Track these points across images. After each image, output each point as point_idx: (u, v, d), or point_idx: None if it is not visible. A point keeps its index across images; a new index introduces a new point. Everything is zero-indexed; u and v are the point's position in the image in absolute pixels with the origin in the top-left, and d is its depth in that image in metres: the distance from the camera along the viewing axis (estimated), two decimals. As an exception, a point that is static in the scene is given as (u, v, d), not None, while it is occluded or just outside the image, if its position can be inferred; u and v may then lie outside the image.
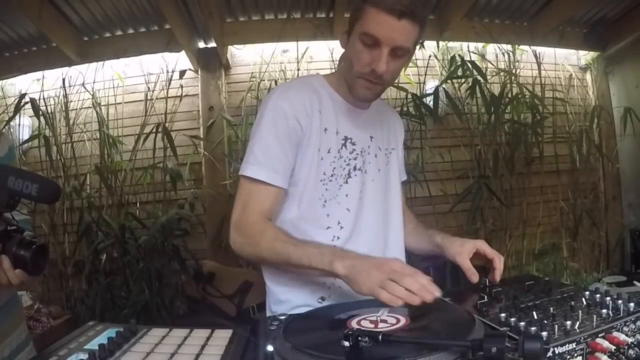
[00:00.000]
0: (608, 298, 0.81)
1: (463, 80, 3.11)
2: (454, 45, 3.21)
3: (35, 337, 2.13)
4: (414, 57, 3.05)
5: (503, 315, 0.77)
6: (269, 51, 3.06)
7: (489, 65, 3.24)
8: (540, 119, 3.12)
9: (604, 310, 0.75)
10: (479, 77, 3.01)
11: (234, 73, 3.16)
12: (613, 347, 0.67)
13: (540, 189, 3.25)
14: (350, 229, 1.09)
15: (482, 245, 1.04)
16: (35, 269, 0.85)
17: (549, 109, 3.25)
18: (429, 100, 3.04)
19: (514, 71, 3.24)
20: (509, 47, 3.26)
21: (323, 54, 3.05)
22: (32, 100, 2.80)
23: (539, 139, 3.15)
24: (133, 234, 2.78)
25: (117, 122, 3.04)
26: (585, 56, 3.47)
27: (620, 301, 0.78)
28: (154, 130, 2.88)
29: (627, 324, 0.73)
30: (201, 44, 3.08)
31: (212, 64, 3.05)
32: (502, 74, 3.23)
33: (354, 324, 0.76)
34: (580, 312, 0.75)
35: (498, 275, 1.00)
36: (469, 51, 3.22)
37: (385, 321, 0.75)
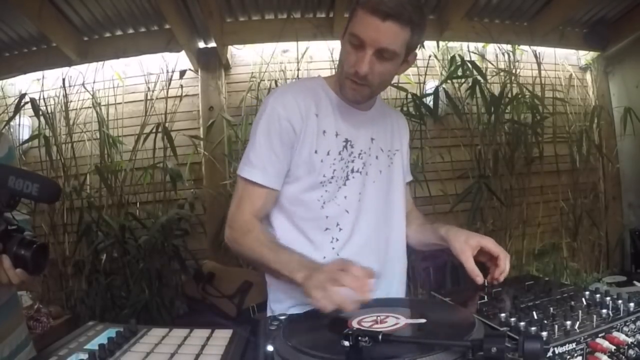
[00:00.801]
0: (608, 298, 0.81)
1: (463, 80, 3.11)
2: (454, 45, 3.21)
3: (35, 337, 2.13)
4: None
5: (503, 315, 0.77)
6: (269, 51, 3.06)
7: (489, 65, 3.24)
8: (540, 119, 3.12)
9: (604, 310, 0.75)
10: (479, 77, 3.01)
11: (234, 73, 3.16)
12: (613, 347, 0.67)
13: (540, 189, 3.26)
14: (349, 231, 1.09)
15: (488, 243, 1.00)
16: (36, 269, 0.85)
17: (549, 109, 3.25)
18: (429, 100, 3.04)
19: (514, 71, 3.24)
20: (509, 47, 3.26)
21: (323, 54, 3.05)
22: (32, 100, 2.81)
23: (539, 139, 3.15)
24: (133, 234, 2.78)
25: (117, 122, 3.04)
26: (585, 56, 3.48)
27: (620, 301, 0.78)
28: (154, 130, 2.88)
29: (627, 324, 0.73)
30: (201, 44, 3.08)
31: (212, 64, 3.05)
32: (502, 74, 3.23)
33: (354, 323, 0.76)
34: (580, 312, 0.75)
35: (500, 275, 0.97)
36: (469, 51, 3.22)
37: (385, 321, 0.75)
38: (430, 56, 3.16)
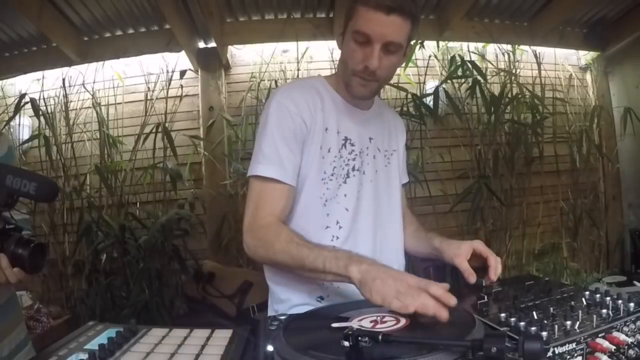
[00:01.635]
0: (608, 298, 0.81)
1: (463, 80, 3.12)
2: (454, 45, 3.21)
3: (35, 337, 2.13)
4: (413, 57, 3.07)
5: (503, 315, 0.77)
6: (269, 51, 3.06)
7: (489, 65, 3.24)
8: (540, 119, 3.12)
9: (604, 310, 0.75)
10: (479, 77, 3.01)
11: (234, 73, 3.16)
12: (613, 347, 0.67)
13: (540, 189, 3.26)
14: (349, 229, 1.10)
15: (478, 245, 1.03)
16: (34, 268, 0.85)
17: (549, 109, 3.25)
18: (429, 100, 3.04)
19: (514, 71, 3.24)
20: (509, 47, 3.26)
21: (323, 54, 3.05)
22: (32, 100, 2.81)
23: (539, 139, 3.15)
24: (133, 234, 2.78)
25: (117, 122, 3.04)
26: (585, 56, 3.47)
27: (620, 301, 0.78)
28: (154, 130, 2.88)
29: (627, 324, 0.73)
30: (201, 44, 3.08)
31: (212, 64, 3.05)
32: (502, 74, 3.23)
33: (354, 323, 0.75)
34: (580, 312, 0.75)
35: (493, 273, 0.99)
36: (469, 51, 3.22)
37: (385, 321, 0.75)
38: (430, 56, 3.16)
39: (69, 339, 0.74)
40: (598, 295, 0.84)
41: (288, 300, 1.10)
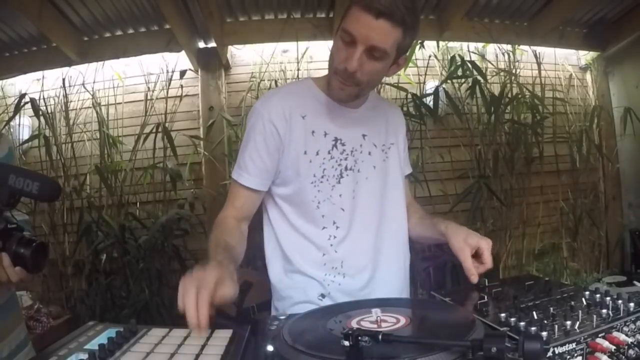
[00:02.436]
0: (608, 298, 0.81)
1: (463, 80, 3.12)
2: (454, 45, 3.21)
3: (35, 337, 2.13)
4: (413, 57, 3.07)
5: (503, 315, 0.77)
6: (269, 51, 3.06)
7: (489, 65, 3.24)
8: (540, 119, 3.12)
9: (604, 310, 0.75)
10: (479, 77, 3.01)
11: (234, 73, 3.16)
12: (613, 347, 0.67)
13: (540, 189, 3.26)
14: (347, 228, 1.10)
15: (484, 245, 1.00)
16: (35, 267, 0.85)
17: (549, 109, 3.25)
18: (429, 100, 3.04)
19: (514, 71, 3.24)
20: (509, 47, 3.26)
21: (323, 54, 3.04)
22: (32, 100, 2.81)
23: (539, 139, 3.15)
24: (133, 234, 2.78)
25: (117, 122, 3.04)
26: (585, 56, 3.48)
27: (620, 301, 0.78)
28: (154, 130, 2.88)
29: (627, 324, 0.73)
30: (201, 44, 3.08)
31: (212, 64, 3.05)
32: (502, 74, 3.23)
33: (354, 323, 0.76)
34: (580, 312, 0.75)
35: (474, 277, 0.99)
36: (469, 51, 3.22)
37: (385, 321, 0.75)
38: (430, 56, 3.16)
39: (69, 339, 0.74)
40: (598, 295, 0.84)
41: (289, 297, 1.12)
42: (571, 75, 3.42)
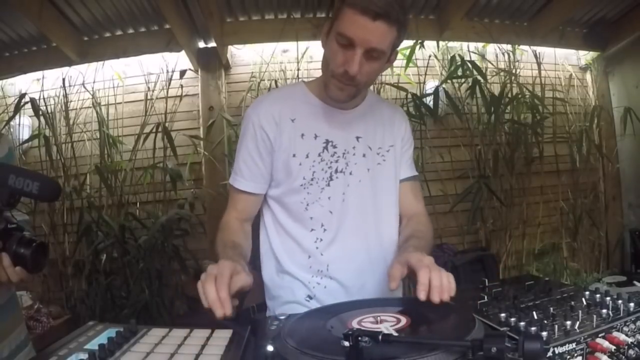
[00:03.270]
0: (608, 298, 0.81)
1: (463, 80, 3.12)
2: (454, 45, 3.21)
3: (35, 337, 2.13)
4: (413, 57, 3.07)
5: (503, 315, 0.77)
6: (269, 51, 3.06)
7: (489, 65, 3.24)
8: (540, 119, 3.13)
9: (604, 310, 0.75)
10: (479, 77, 3.01)
11: (234, 73, 3.16)
12: (613, 347, 0.67)
13: (540, 189, 3.26)
14: (335, 231, 1.10)
15: (410, 258, 0.85)
16: (35, 267, 0.85)
17: (549, 109, 3.25)
18: (429, 100, 3.04)
19: (514, 71, 3.24)
20: (509, 47, 3.26)
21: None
22: (32, 100, 2.80)
23: (539, 139, 3.15)
24: (133, 234, 2.78)
25: (117, 122, 3.04)
26: (585, 56, 3.48)
27: (620, 301, 0.78)
28: (154, 130, 2.88)
29: (627, 324, 0.73)
30: (201, 44, 3.08)
31: (212, 64, 3.05)
32: (502, 74, 3.23)
33: (354, 323, 0.76)
34: (580, 312, 0.75)
35: (422, 292, 0.77)
36: (469, 51, 3.22)
37: (385, 321, 0.75)
38: (430, 56, 3.16)
39: (69, 339, 0.74)
40: (598, 295, 0.84)
41: (279, 297, 1.14)
42: (571, 75, 3.42)
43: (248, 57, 3.14)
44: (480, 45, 3.26)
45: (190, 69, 3.04)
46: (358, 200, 1.11)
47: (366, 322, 0.76)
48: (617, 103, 3.43)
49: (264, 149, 1.09)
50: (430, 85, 3.16)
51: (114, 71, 3.03)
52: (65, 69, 2.95)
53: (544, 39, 3.14)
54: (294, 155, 1.08)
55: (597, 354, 0.67)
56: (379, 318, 0.77)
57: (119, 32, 2.91)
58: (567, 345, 0.66)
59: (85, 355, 0.65)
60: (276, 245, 1.13)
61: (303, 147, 1.08)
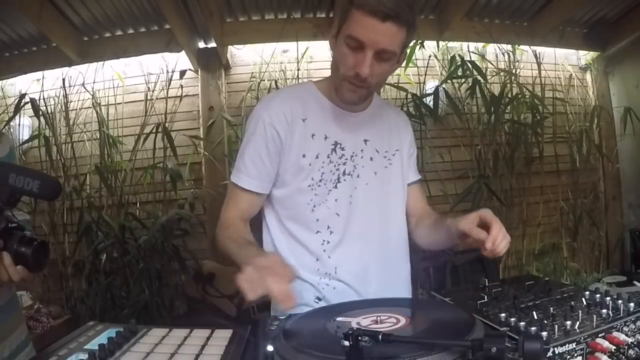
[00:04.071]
0: (608, 298, 0.81)
1: (463, 80, 3.12)
2: (454, 45, 3.21)
3: (35, 337, 2.13)
4: (413, 57, 3.07)
5: (503, 315, 0.77)
6: (269, 51, 3.06)
7: (489, 65, 3.24)
8: (540, 119, 3.13)
9: (604, 310, 0.75)
10: (479, 77, 3.01)
11: (234, 73, 3.16)
12: (613, 347, 0.67)
13: (540, 189, 3.26)
14: (341, 234, 1.09)
15: (485, 213, 0.95)
16: (36, 266, 0.85)
17: (549, 109, 3.25)
18: (429, 100, 3.04)
19: (514, 71, 3.24)
20: (509, 47, 3.26)
21: (323, 54, 3.04)
22: (32, 100, 2.81)
23: (539, 139, 3.15)
24: (133, 234, 2.78)
25: (117, 122, 3.04)
26: (585, 56, 3.47)
27: (620, 301, 0.78)
28: (154, 130, 2.88)
29: (627, 324, 0.73)
30: (201, 44, 3.08)
31: (212, 64, 3.05)
32: (502, 74, 3.23)
33: (354, 323, 0.76)
34: (580, 312, 0.75)
35: (490, 242, 0.88)
36: (469, 51, 3.22)
37: (385, 321, 0.75)
38: (430, 56, 3.16)
39: (69, 339, 0.74)
40: (598, 295, 0.84)
41: None
42: (571, 75, 3.42)
43: (248, 57, 3.14)
44: (480, 45, 3.26)
45: (190, 69, 3.04)
46: (365, 203, 1.11)
47: (366, 322, 0.76)
48: (617, 103, 3.43)
49: (274, 148, 1.07)
50: (430, 85, 3.16)
51: (114, 71, 3.03)
52: (65, 69, 2.95)
53: (544, 39, 3.14)
54: (303, 156, 1.07)
55: (597, 354, 0.67)
56: (379, 318, 0.77)
57: (119, 32, 2.91)
58: (567, 345, 0.66)
59: (85, 355, 0.65)
60: (282, 248, 1.11)
61: (313, 147, 1.07)
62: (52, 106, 2.96)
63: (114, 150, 2.96)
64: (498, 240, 0.90)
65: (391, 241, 1.15)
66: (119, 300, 2.74)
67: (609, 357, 0.67)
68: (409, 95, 2.99)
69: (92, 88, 2.98)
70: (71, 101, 3.00)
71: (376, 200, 1.13)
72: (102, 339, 0.72)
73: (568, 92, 3.40)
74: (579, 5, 2.86)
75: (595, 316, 0.73)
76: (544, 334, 0.67)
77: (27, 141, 2.92)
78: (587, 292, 0.86)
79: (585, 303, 0.81)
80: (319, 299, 1.09)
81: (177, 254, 2.77)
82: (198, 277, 2.45)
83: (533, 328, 0.69)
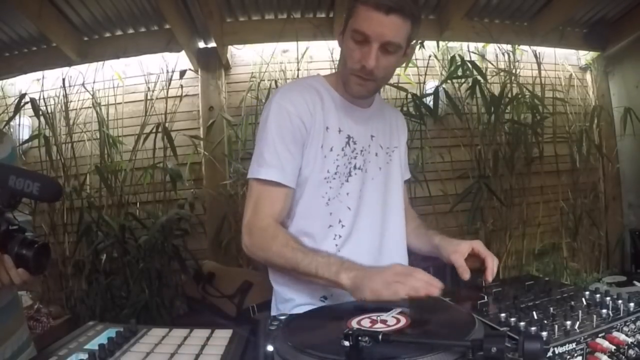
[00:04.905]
0: (608, 298, 0.81)
1: (463, 80, 3.11)
2: (454, 45, 3.21)
3: (35, 337, 2.13)
4: (413, 57, 3.07)
5: (503, 315, 0.77)
6: (269, 51, 3.06)
7: (489, 65, 3.24)
8: (540, 119, 3.12)
9: (604, 310, 0.75)
10: (479, 77, 3.01)
11: (234, 73, 3.16)
12: (613, 347, 0.67)
13: (540, 189, 3.25)
14: (350, 227, 1.10)
15: (478, 245, 1.02)
16: (38, 268, 0.85)
17: (549, 109, 3.25)
18: (429, 100, 3.04)
19: (514, 71, 3.24)
20: (509, 47, 3.26)
21: (323, 54, 3.04)
22: (32, 100, 2.80)
23: (539, 139, 3.15)
24: (133, 234, 2.78)
25: (117, 122, 3.03)
26: (585, 56, 3.47)
27: (620, 301, 0.78)
28: (154, 130, 2.88)
29: (627, 324, 0.73)
30: (201, 44, 3.08)
31: (212, 64, 3.05)
32: (502, 74, 3.23)
33: (354, 323, 0.76)
34: (580, 312, 0.75)
35: (489, 274, 0.98)
36: (469, 51, 3.22)
37: (385, 321, 0.75)
38: (430, 56, 3.16)
39: (69, 339, 0.74)
40: (598, 295, 0.84)
41: (292, 300, 1.11)
42: (571, 75, 3.42)
43: (248, 57, 3.14)
44: (480, 45, 3.26)
45: (190, 69, 3.04)
46: (372, 197, 1.13)
47: (365, 321, 0.76)
48: (617, 103, 3.43)
49: (300, 139, 1.05)
50: (430, 85, 3.16)
51: (114, 71, 3.03)
52: (65, 69, 2.95)
53: (544, 39, 3.14)
54: (321, 147, 1.06)
55: (597, 354, 0.67)
56: (378, 318, 0.77)
57: (119, 32, 2.91)
58: (567, 345, 0.66)
59: (85, 355, 0.66)
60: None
61: (328, 140, 1.08)
62: (52, 106, 2.96)
63: (114, 150, 2.96)
64: (494, 271, 0.99)
65: (391, 235, 1.17)
66: (119, 300, 2.74)
67: (609, 357, 0.67)
68: (409, 95, 2.98)
69: (92, 88, 2.98)
70: (71, 101, 3.00)
71: (380, 195, 1.15)
72: (102, 339, 0.72)
73: (568, 92, 3.40)
74: (579, 5, 2.86)
75: (595, 316, 0.73)
76: (544, 334, 0.67)
77: (27, 141, 2.92)
78: (587, 292, 0.86)
79: (585, 303, 0.81)
80: (325, 298, 1.09)
81: (177, 254, 2.77)
82: (198, 277, 2.45)
83: (533, 328, 0.69)
